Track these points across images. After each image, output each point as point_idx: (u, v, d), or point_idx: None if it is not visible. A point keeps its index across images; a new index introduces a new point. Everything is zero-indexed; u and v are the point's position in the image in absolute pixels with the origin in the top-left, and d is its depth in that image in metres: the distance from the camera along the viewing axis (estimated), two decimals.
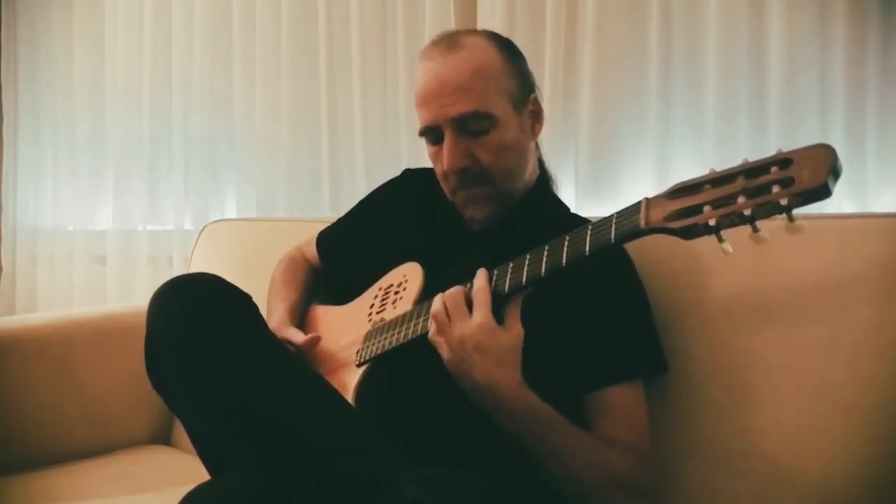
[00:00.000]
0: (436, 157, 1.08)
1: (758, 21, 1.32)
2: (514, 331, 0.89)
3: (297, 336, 1.09)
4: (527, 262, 0.89)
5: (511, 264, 0.91)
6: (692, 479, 1.06)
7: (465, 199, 1.07)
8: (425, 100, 1.04)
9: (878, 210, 1.23)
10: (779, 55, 1.29)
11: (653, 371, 1.04)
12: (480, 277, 0.91)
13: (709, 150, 1.37)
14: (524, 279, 0.88)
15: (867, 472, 0.96)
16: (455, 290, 0.91)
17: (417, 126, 1.06)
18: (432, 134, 1.05)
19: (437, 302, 0.92)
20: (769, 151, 1.33)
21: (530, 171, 1.10)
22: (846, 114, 1.25)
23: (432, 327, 0.92)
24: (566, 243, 0.85)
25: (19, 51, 2.57)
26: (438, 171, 1.09)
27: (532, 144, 1.10)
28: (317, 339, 1.09)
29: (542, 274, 0.86)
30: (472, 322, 0.88)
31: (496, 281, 0.91)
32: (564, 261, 0.84)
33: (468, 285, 0.92)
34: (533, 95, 1.09)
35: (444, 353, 0.90)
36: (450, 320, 0.90)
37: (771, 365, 1.02)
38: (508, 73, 1.05)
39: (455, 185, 1.07)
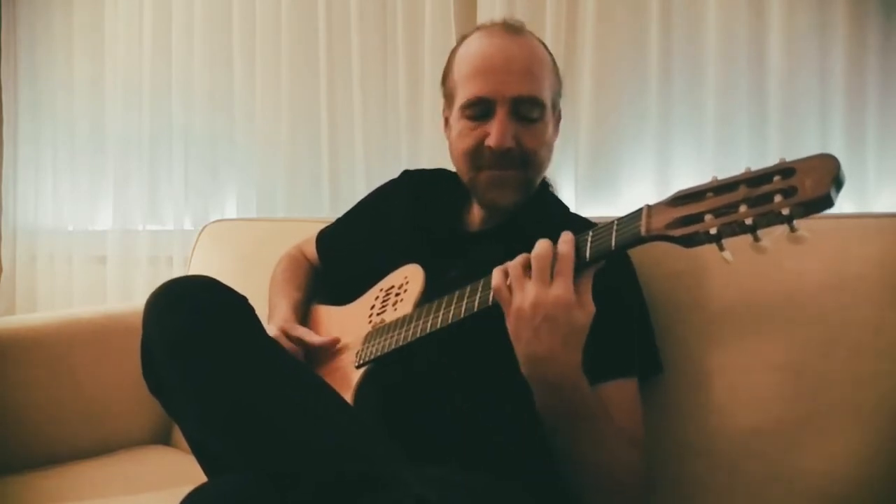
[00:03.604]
0: (469, 132, 1.04)
1: (758, 21, 1.32)
2: (588, 308, 0.84)
3: (312, 337, 1.08)
4: None
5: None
6: (692, 479, 1.06)
7: (493, 180, 1.05)
8: (485, 71, 1.02)
9: (878, 210, 1.23)
10: (779, 55, 1.29)
11: (649, 371, 1.04)
12: (567, 243, 0.83)
13: (709, 151, 1.37)
14: None
15: (867, 472, 0.96)
16: (544, 251, 0.83)
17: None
18: (480, 107, 1.03)
19: (521, 257, 0.86)
20: (769, 152, 1.34)
21: (546, 165, 1.11)
22: (846, 114, 1.25)
23: (499, 277, 0.86)
24: None
25: (19, 51, 2.58)
26: (469, 142, 1.05)
27: (552, 142, 1.11)
28: (336, 341, 1.08)
29: None
30: (551, 291, 0.82)
31: None
32: None
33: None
34: (559, 107, 1.11)
35: (509, 313, 0.85)
36: (528, 280, 0.84)
37: (771, 365, 1.02)
38: (554, 76, 1.08)
39: (488, 164, 1.04)
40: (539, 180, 1.10)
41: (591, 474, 0.92)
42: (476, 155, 1.05)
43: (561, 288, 0.82)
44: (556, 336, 0.83)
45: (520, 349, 0.86)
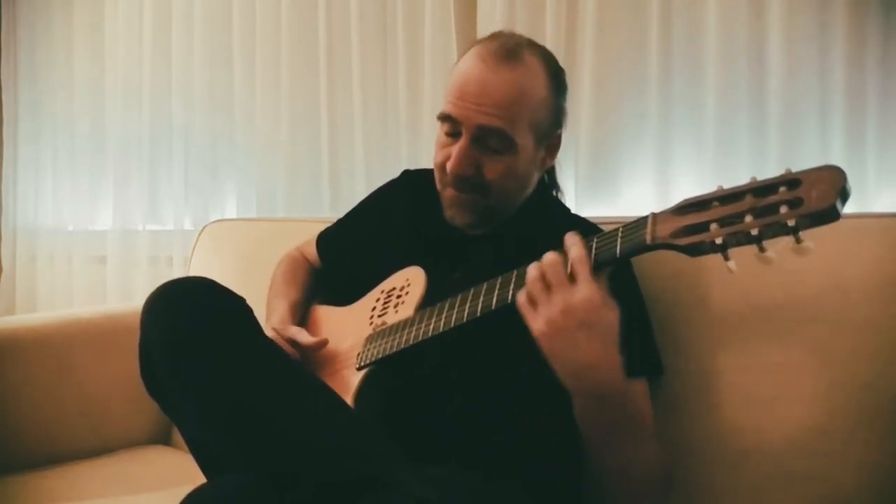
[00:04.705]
0: (443, 145, 1.06)
1: (758, 21, 1.32)
2: (613, 305, 0.81)
3: (303, 336, 1.08)
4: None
5: (515, 272, 0.89)
6: (693, 479, 1.06)
7: (453, 199, 1.07)
8: (460, 95, 1.02)
9: (878, 210, 1.23)
10: (779, 56, 1.29)
11: (654, 371, 1.04)
12: (576, 244, 0.81)
13: (709, 151, 1.37)
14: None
15: (867, 472, 0.96)
16: (554, 258, 0.81)
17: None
18: (450, 125, 1.04)
19: (533, 269, 0.83)
20: (769, 152, 1.34)
21: (526, 194, 1.09)
22: (846, 114, 1.25)
23: (523, 296, 0.83)
24: None
25: (19, 51, 2.57)
26: (439, 159, 1.07)
27: (536, 174, 1.10)
28: (324, 342, 1.08)
29: None
30: (578, 294, 0.79)
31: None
32: None
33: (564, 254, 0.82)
34: (559, 131, 1.09)
35: (538, 325, 0.81)
36: (549, 291, 0.81)
37: (771, 365, 1.02)
38: (547, 107, 1.04)
39: (448, 183, 1.06)
40: (512, 206, 1.08)
41: (627, 474, 0.91)
42: (442, 171, 1.06)
43: (586, 288, 0.79)
44: (595, 339, 0.80)
45: (559, 364, 0.82)
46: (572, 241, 0.82)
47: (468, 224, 1.07)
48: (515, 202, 1.08)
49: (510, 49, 1.02)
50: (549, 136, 1.07)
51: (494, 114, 0.99)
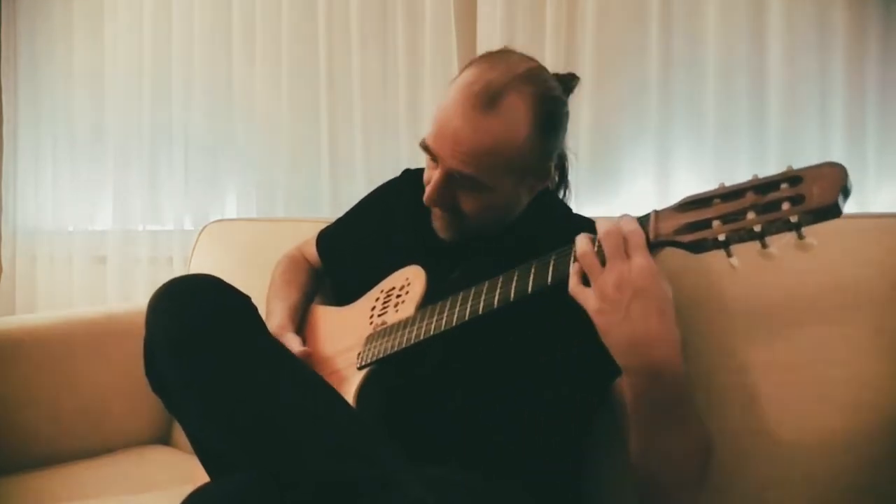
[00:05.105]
0: (427, 166, 1.06)
1: (758, 21, 1.32)
2: (669, 285, 0.78)
3: (293, 345, 1.08)
4: (533, 269, 0.87)
5: (516, 271, 0.89)
6: None
7: (436, 216, 1.07)
8: (438, 130, 1.00)
9: (878, 210, 1.23)
10: (779, 55, 1.29)
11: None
12: (630, 221, 0.79)
13: (709, 150, 1.37)
14: (529, 288, 0.86)
15: (867, 473, 0.96)
16: (612, 228, 0.78)
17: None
18: (430, 153, 1.03)
19: (584, 242, 0.80)
20: (769, 152, 1.34)
21: (515, 214, 1.08)
22: (846, 113, 1.25)
23: (575, 280, 0.81)
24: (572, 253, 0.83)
25: (19, 51, 2.57)
26: (424, 177, 1.07)
27: (526, 197, 1.07)
28: (307, 353, 1.08)
29: (549, 282, 0.85)
30: (632, 264, 0.76)
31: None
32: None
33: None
34: (549, 164, 1.05)
35: (591, 302, 0.79)
36: (603, 263, 0.78)
37: (771, 365, 1.02)
38: (527, 152, 0.99)
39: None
40: (499, 225, 1.07)
41: (673, 463, 0.88)
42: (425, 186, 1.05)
43: (641, 258, 0.76)
44: (650, 310, 0.76)
45: (612, 340, 0.79)
46: (625, 218, 0.80)
47: (450, 239, 1.08)
48: (502, 223, 1.07)
49: (492, 95, 0.96)
50: (536, 170, 1.04)
51: (467, 161, 0.98)
